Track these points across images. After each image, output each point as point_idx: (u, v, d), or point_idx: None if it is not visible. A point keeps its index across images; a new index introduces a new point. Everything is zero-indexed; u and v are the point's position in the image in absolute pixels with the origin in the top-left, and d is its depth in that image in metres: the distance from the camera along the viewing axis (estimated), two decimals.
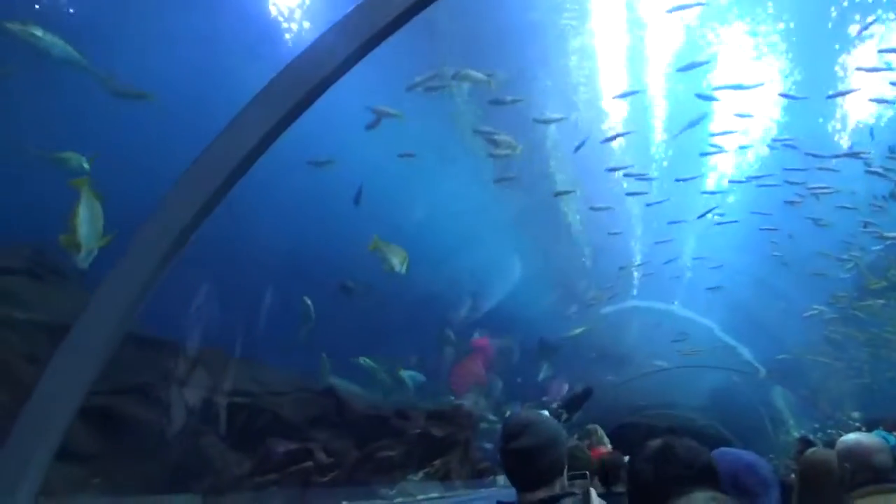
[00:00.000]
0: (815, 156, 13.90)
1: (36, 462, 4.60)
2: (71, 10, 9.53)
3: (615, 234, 15.78)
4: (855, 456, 3.41)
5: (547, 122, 12.39)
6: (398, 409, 11.62)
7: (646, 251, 17.01)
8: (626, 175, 14.41)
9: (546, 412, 5.95)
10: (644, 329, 20.25)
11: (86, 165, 8.93)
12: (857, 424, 17.41)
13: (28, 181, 9.14)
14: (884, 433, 6.93)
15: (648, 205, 15.19)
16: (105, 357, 4.82)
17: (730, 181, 15.53)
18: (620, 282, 18.22)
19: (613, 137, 13.86)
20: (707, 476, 1.92)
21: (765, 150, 14.92)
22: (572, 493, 2.79)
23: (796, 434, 20.90)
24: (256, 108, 5.47)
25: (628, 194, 15.10)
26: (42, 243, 9.19)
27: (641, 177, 14.49)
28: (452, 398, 15.09)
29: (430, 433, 11.66)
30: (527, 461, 2.78)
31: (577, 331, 18.28)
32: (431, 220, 12.97)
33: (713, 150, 14.56)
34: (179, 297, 9.40)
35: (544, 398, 18.33)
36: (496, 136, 12.19)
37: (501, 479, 15.97)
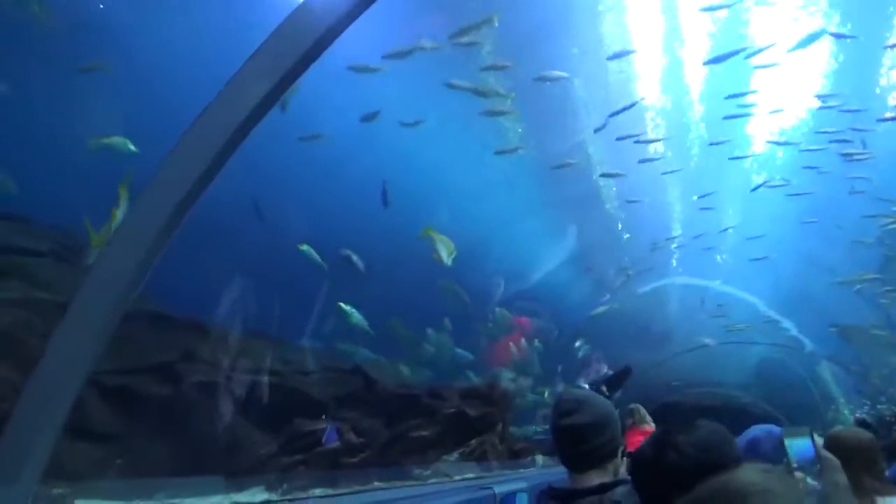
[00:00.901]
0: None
1: (40, 444, 4.24)
2: None
3: (633, 201, 14.89)
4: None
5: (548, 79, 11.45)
6: (430, 388, 11.11)
7: (685, 224, 16.19)
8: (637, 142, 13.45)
9: (587, 386, 5.99)
10: (684, 305, 19.48)
11: (132, 148, 8.79)
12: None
13: (66, 164, 8.98)
14: None
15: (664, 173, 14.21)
16: (107, 333, 4.41)
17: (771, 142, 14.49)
18: (658, 257, 17.46)
19: (629, 106, 13.02)
20: (710, 454, 1.90)
21: (807, 113, 14.02)
22: (626, 481, 2.53)
23: (846, 411, 19.96)
24: (261, 62, 4.98)
25: (664, 173, 14.40)
26: (72, 227, 8.96)
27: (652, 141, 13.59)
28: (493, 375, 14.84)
29: (465, 412, 11.11)
30: (579, 439, 2.66)
31: (601, 310, 17.53)
32: (461, 199, 12.52)
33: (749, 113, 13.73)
34: (203, 276, 9.06)
35: (584, 377, 17.82)
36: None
37: (540, 459, 15.49)
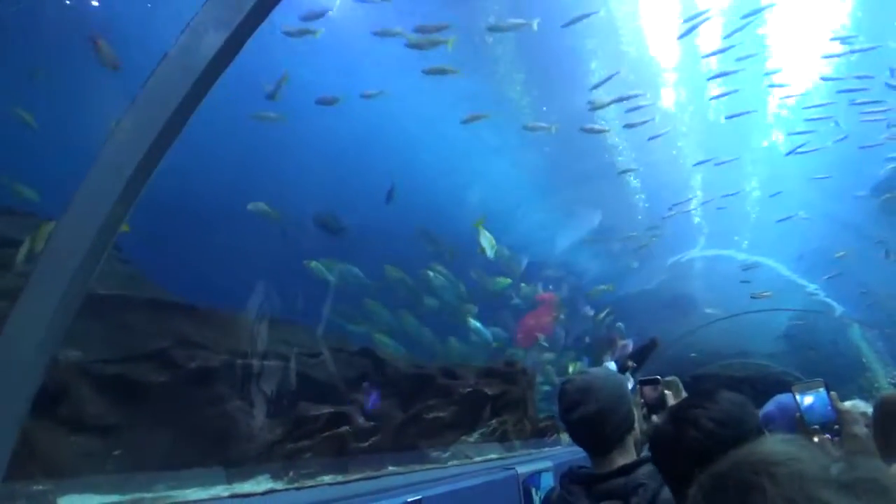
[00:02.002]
0: None
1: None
2: None
3: (626, 171, 14.00)
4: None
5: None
6: (444, 367, 10.44)
7: (707, 188, 15.33)
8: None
9: (614, 364, 5.95)
10: (709, 274, 18.71)
11: None
12: None
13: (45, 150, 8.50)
14: None
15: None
16: (65, 319, 3.86)
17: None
18: (680, 225, 16.67)
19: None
20: (730, 428, 1.86)
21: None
22: (648, 460, 2.50)
23: (882, 375, 19.07)
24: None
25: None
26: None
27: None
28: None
29: (483, 391, 10.44)
30: (591, 429, 2.63)
31: (603, 287, 16.74)
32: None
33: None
34: (200, 259, 8.53)
35: (609, 356, 17.27)
36: None
37: (565, 437, 14.85)
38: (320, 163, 9.42)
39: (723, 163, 13.89)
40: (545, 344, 15.90)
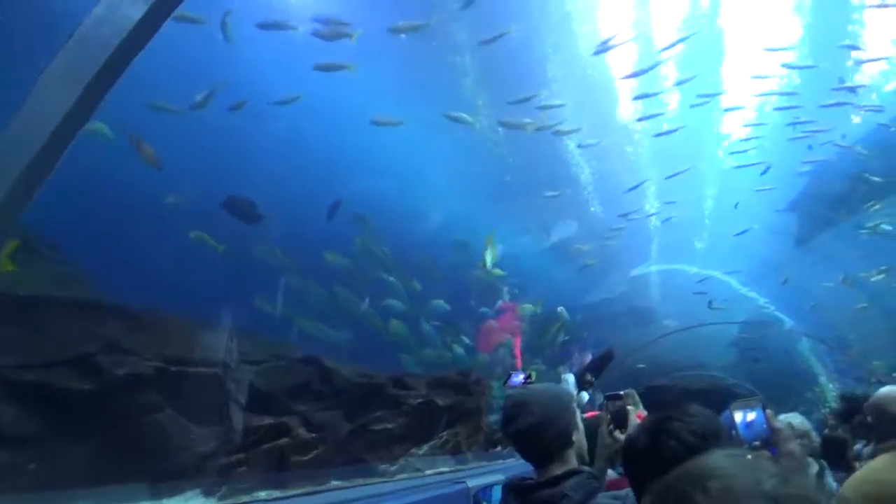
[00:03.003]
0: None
1: None
2: None
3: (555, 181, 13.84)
4: (875, 409, 3.14)
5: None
6: (395, 377, 9.98)
7: (663, 201, 15.29)
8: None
9: (572, 377, 5.99)
10: (665, 286, 18.73)
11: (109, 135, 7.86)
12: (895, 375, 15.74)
13: None
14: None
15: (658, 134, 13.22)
16: None
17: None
18: (635, 237, 16.62)
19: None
20: (709, 441, 1.84)
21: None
22: (580, 472, 2.63)
23: (831, 386, 19.27)
24: None
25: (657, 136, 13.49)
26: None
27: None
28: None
29: (434, 402, 10.01)
30: (529, 441, 2.70)
31: (530, 306, 16.50)
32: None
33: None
34: (135, 258, 7.94)
35: (568, 368, 17.05)
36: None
37: None
38: (261, 163, 8.96)
39: (673, 175, 13.84)
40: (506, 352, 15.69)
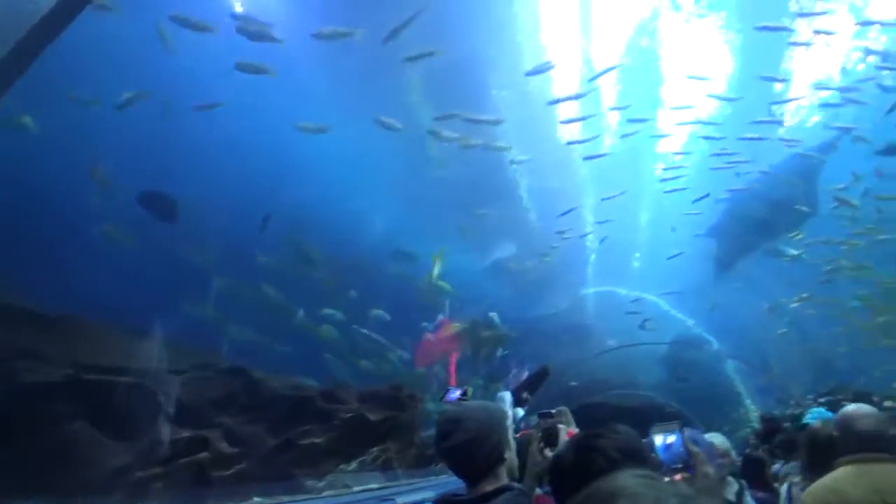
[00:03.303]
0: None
1: None
2: None
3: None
4: (843, 424, 3.29)
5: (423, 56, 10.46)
6: (325, 390, 9.74)
7: (601, 221, 15.56)
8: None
9: (509, 395, 5.31)
10: (601, 306, 19.03)
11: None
12: (810, 397, 16.38)
13: None
14: (821, 410, 6.06)
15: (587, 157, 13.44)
16: None
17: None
18: (572, 256, 16.85)
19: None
20: (633, 459, 1.91)
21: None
22: (510, 488, 2.65)
23: (752, 406, 19.82)
24: None
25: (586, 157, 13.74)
26: None
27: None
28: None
29: (365, 416, 9.80)
30: (462, 457, 2.69)
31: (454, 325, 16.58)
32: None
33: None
34: (45, 256, 7.50)
35: (504, 386, 17.07)
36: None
37: None
38: (188, 168, 8.66)
39: (609, 198, 14.14)
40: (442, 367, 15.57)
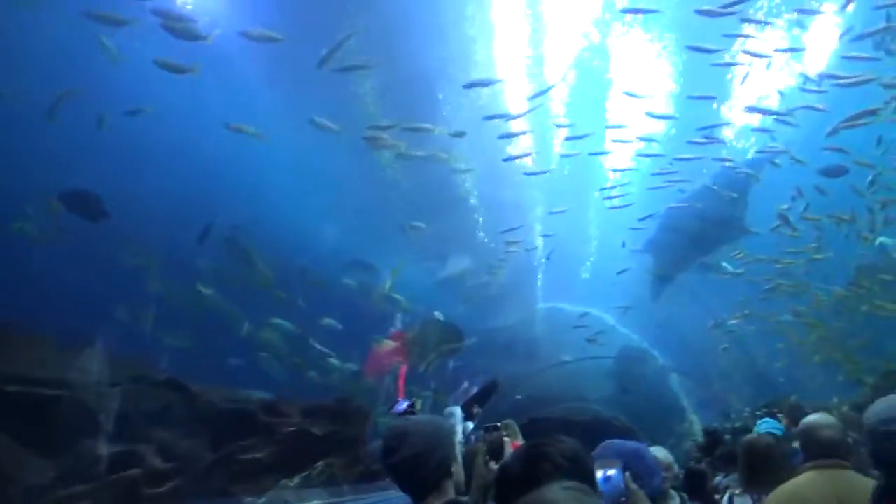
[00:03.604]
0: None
1: None
2: None
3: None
4: (805, 433, 3.39)
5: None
6: (267, 403, 9.41)
7: (550, 235, 15.64)
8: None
9: (459, 409, 5.86)
10: (550, 321, 19.09)
11: None
12: (747, 410, 16.82)
13: None
14: (772, 421, 6.15)
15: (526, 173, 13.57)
16: None
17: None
18: (524, 274, 16.94)
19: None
20: (579, 465, 1.95)
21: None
22: (457, 502, 2.64)
23: (696, 420, 20.20)
24: None
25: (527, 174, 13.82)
26: None
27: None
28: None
29: (309, 431, 9.52)
30: (408, 472, 2.64)
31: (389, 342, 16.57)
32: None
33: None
34: None
35: (453, 401, 16.96)
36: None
37: None
38: (124, 172, 8.32)
39: (558, 212, 14.26)
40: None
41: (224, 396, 8.67)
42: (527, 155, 12.93)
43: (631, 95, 12.76)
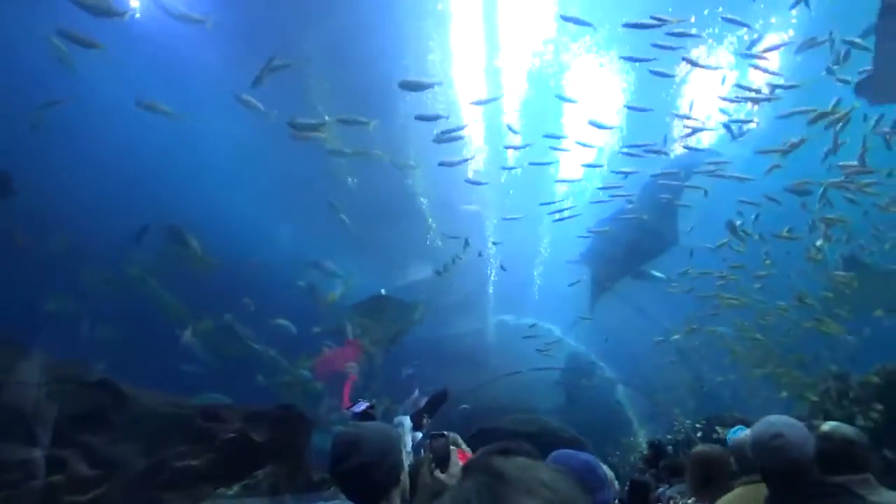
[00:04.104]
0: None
1: None
2: None
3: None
4: (737, 450, 3.65)
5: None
6: (206, 407, 9.00)
7: (500, 247, 15.63)
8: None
9: (408, 419, 5.85)
10: (499, 332, 19.09)
11: None
12: (689, 423, 17.01)
13: None
14: (745, 429, 6.25)
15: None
16: None
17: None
18: (476, 284, 16.89)
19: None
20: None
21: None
22: None
23: (642, 432, 20.38)
24: None
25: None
26: None
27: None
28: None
29: (250, 437, 9.13)
30: (358, 480, 2.65)
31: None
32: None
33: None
34: None
35: (403, 410, 16.79)
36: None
37: None
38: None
39: (512, 218, 14.29)
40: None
41: (159, 399, 8.25)
42: (465, 161, 12.90)
43: (564, 100, 12.84)
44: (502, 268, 16.42)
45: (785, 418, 3.13)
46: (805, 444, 3.03)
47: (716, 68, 12.67)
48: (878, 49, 10.44)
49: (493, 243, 15.49)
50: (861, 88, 11.15)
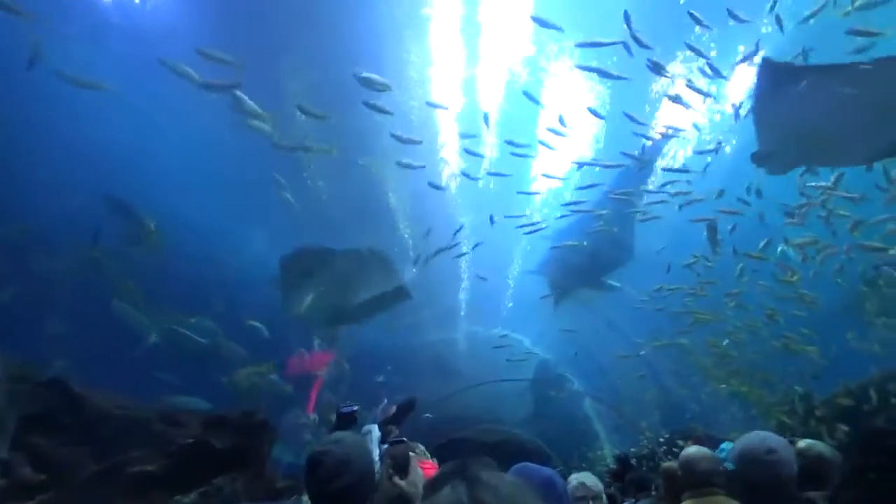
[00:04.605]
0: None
1: None
2: None
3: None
4: (685, 465, 3.79)
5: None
6: (164, 412, 8.69)
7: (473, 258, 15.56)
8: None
9: (377, 428, 5.37)
10: (470, 343, 19.02)
11: None
12: (649, 435, 17.06)
13: None
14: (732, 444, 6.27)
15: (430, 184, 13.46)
16: None
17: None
18: (449, 293, 16.78)
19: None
20: None
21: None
22: None
23: (609, 445, 20.40)
24: None
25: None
26: None
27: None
28: None
29: (209, 443, 8.83)
30: (345, 500, 2.61)
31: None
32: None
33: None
34: None
35: (373, 419, 16.57)
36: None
37: (307, 499, 13.51)
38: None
39: (493, 221, 14.28)
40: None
41: (114, 401, 7.93)
42: (420, 167, 12.83)
43: (533, 100, 12.86)
44: (481, 277, 16.36)
45: (772, 435, 3.25)
46: (793, 461, 3.18)
47: (679, 76, 12.73)
48: (757, 117, 9.29)
49: (476, 245, 15.36)
50: (757, 158, 9.87)
